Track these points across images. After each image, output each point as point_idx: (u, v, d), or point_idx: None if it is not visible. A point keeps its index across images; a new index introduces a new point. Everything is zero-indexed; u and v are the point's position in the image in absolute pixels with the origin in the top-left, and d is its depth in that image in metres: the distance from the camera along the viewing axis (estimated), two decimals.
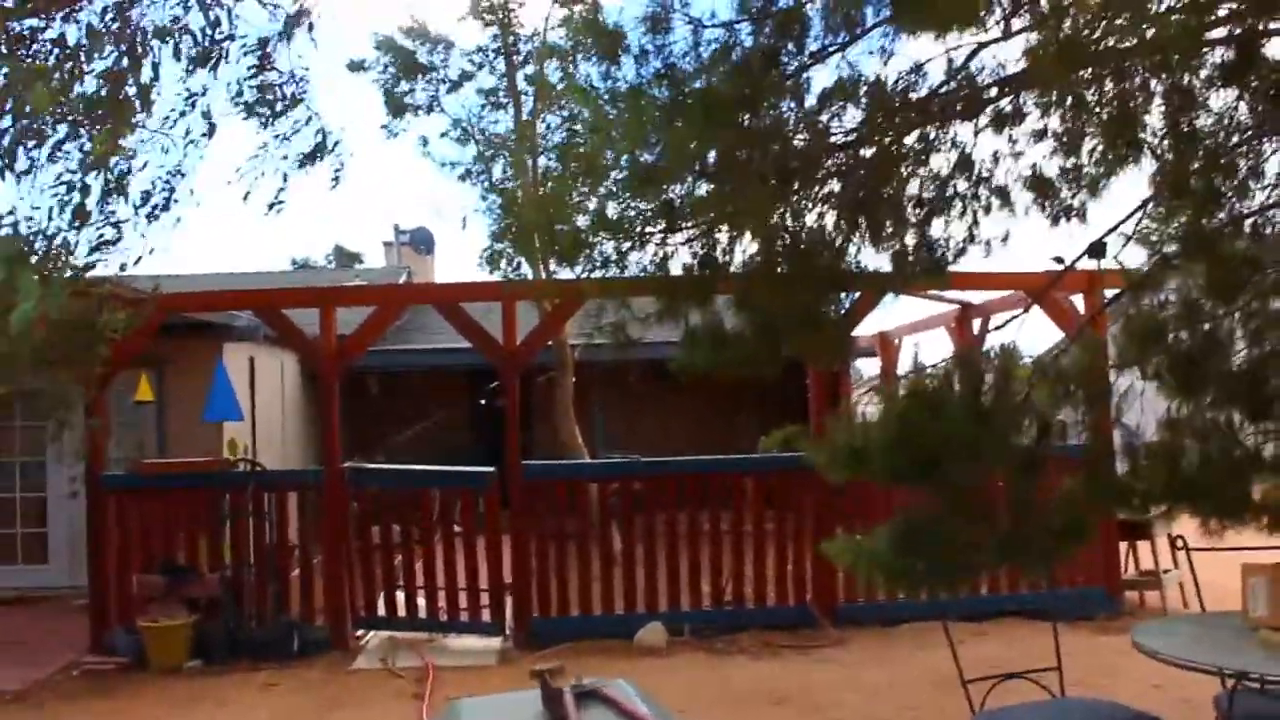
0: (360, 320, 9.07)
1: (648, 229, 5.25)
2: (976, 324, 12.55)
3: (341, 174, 6.30)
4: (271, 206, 6.23)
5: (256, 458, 10.35)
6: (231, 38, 5.62)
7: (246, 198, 5.91)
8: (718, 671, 7.93)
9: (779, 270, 5.40)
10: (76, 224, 4.55)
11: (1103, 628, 8.95)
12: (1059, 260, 10.03)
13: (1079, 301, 9.70)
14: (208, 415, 10.43)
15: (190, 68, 5.37)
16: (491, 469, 8.95)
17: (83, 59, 4.79)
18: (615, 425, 17.98)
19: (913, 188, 5.87)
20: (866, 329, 15.92)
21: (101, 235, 5.76)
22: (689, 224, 5.30)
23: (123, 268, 6.14)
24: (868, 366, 26.65)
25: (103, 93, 4.85)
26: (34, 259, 5.06)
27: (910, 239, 6.06)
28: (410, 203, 64.74)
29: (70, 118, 5.13)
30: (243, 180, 5.96)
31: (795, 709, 6.91)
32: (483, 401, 19.30)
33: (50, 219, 5.12)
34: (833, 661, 8.14)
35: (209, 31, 5.40)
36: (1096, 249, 8.84)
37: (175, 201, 6.05)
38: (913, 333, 14.45)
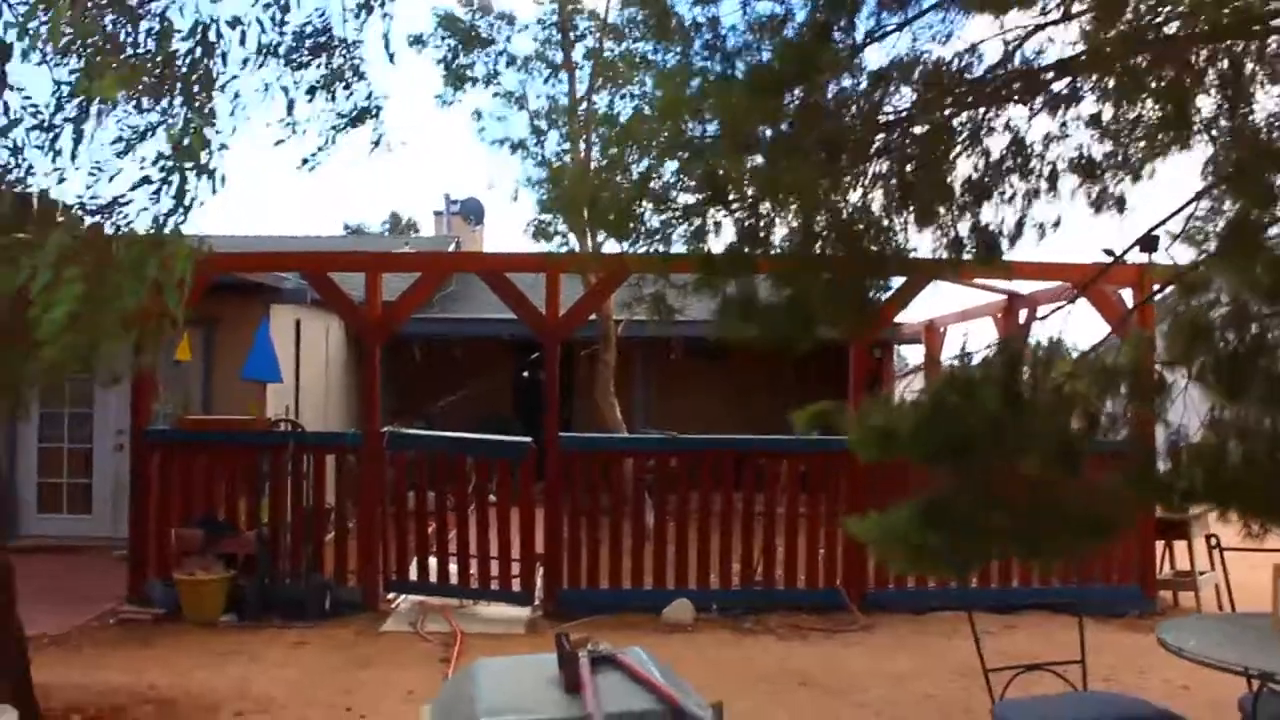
0: (406, 288, 9.13)
1: (692, 202, 5.23)
2: (1023, 314, 12.41)
3: (383, 138, 6.28)
4: (306, 162, 6.23)
5: (299, 419, 10.48)
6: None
7: (279, 144, 5.89)
8: (743, 650, 7.94)
9: (821, 249, 5.35)
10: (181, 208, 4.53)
11: (1134, 625, 8.86)
12: (1109, 252, 9.89)
13: (1127, 296, 9.57)
14: (246, 374, 10.56)
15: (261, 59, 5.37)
16: (528, 439, 8.99)
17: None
18: (655, 403, 18.00)
19: (964, 169, 5.81)
20: (913, 316, 15.87)
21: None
22: (734, 198, 5.27)
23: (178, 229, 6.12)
24: (913, 354, 26.53)
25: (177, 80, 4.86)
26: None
27: (962, 224, 6.01)
28: (465, 174, 65.04)
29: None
30: (289, 135, 5.94)
31: (819, 691, 6.90)
32: (524, 374, 19.43)
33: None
34: (859, 646, 8.12)
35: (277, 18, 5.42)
36: (1148, 242, 8.68)
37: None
38: (960, 321, 14.32)
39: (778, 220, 5.33)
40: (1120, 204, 6.01)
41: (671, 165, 5.25)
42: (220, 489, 9.00)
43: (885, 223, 5.57)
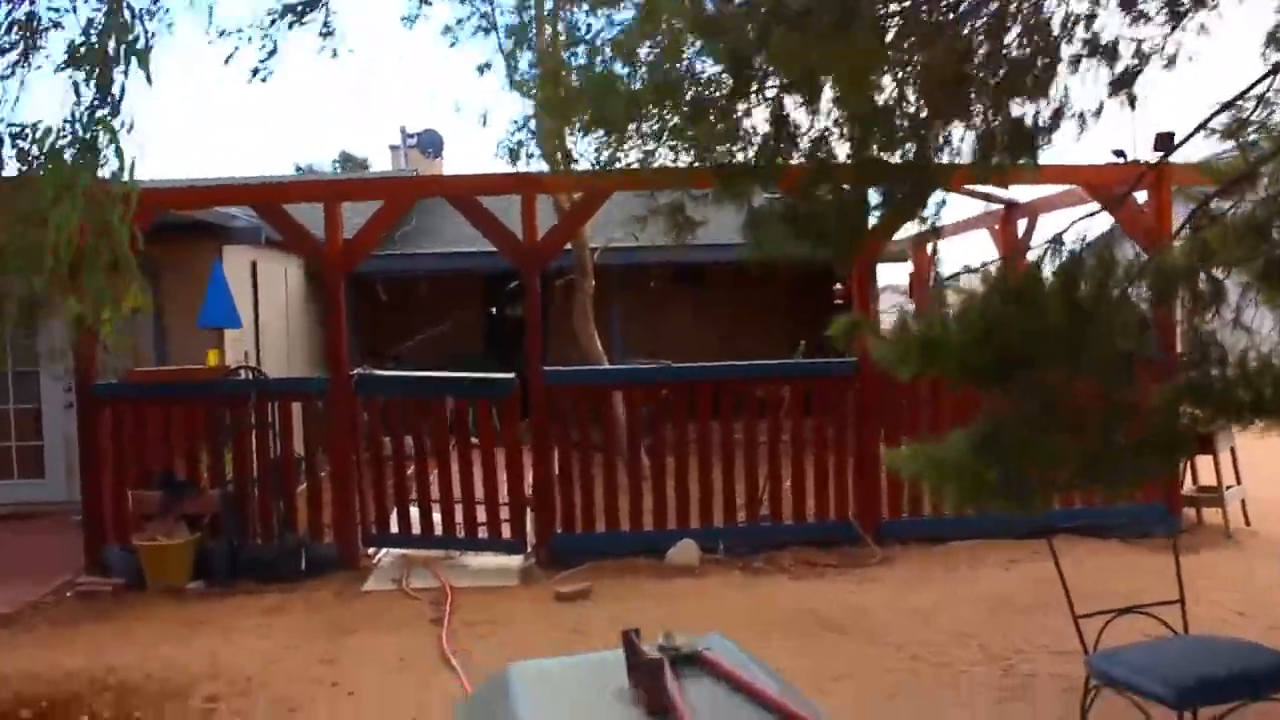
0: (366, 223, 8.34)
1: (709, 93, 4.50)
2: (1022, 224, 11.78)
3: (332, 32, 5.51)
4: (255, 73, 5.48)
5: (261, 366, 9.74)
6: None
7: (229, 60, 5.15)
8: (757, 593, 7.36)
9: (864, 146, 4.66)
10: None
11: (1166, 547, 8.32)
12: (1119, 153, 9.20)
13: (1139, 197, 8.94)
14: (202, 321, 9.82)
15: None
16: (511, 375, 8.30)
17: None
18: (633, 333, 17.30)
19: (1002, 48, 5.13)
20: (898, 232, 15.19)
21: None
22: (761, 85, 4.55)
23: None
24: (891, 273, 25.91)
25: None
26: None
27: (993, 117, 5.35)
28: (420, 106, 63.42)
29: None
30: (230, 46, 5.19)
31: (848, 636, 6.33)
32: (492, 310, 18.67)
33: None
34: (879, 582, 7.57)
35: None
36: (1164, 140, 7.96)
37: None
38: (953, 235, 13.64)
39: (812, 114, 4.61)
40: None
41: (688, 52, 4.50)
42: (178, 445, 8.27)
43: (922, 115, 4.89)
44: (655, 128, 4.58)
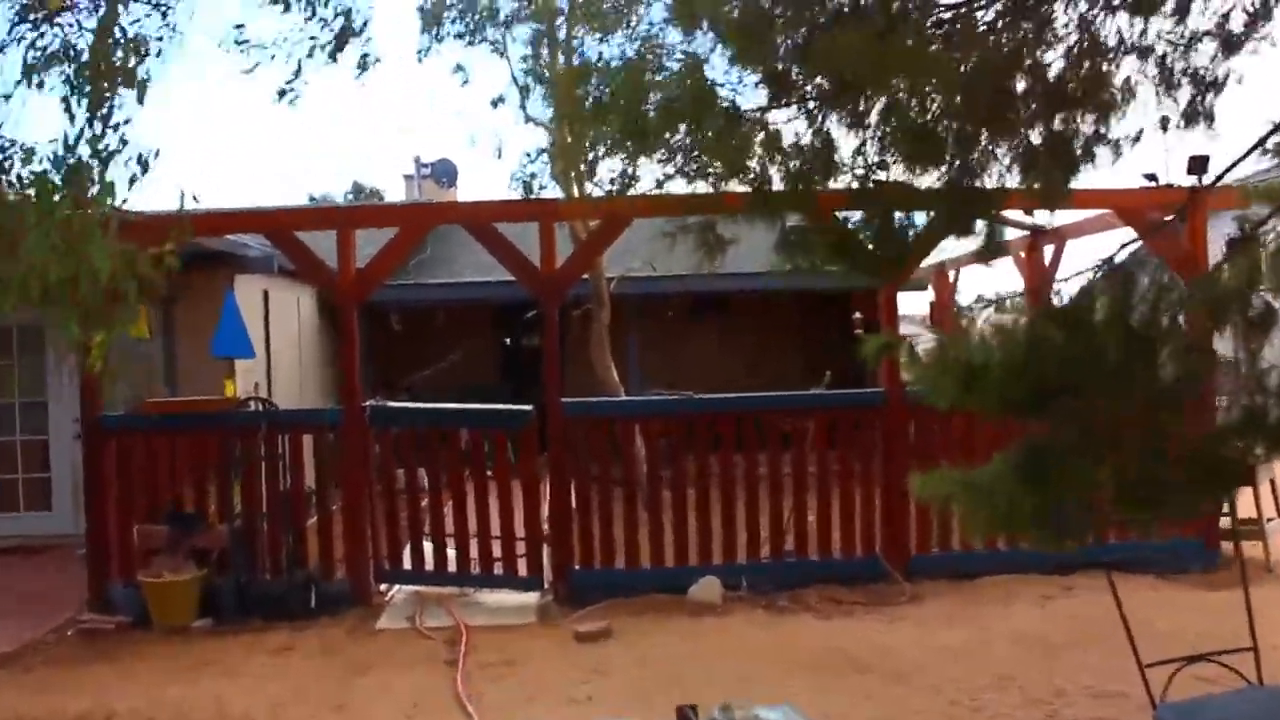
0: (382, 247, 8.14)
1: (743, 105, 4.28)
2: (1048, 251, 11.53)
3: (370, 60, 5.36)
4: (283, 95, 5.32)
5: (272, 397, 9.54)
6: None
7: (253, 70, 5.00)
8: (782, 632, 7.09)
9: (912, 164, 4.43)
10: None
11: (1205, 583, 8.05)
12: (1151, 177, 8.96)
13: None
14: (216, 350, 9.62)
15: None
16: (528, 407, 8.07)
17: None
18: (649, 363, 17.08)
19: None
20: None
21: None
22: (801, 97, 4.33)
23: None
24: (911, 303, 25.57)
25: None
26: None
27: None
28: (434, 137, 63.56)
29: None
30: (254, 62, 5.04)
31: (877, 677, 6.05)
32: (507, 340, 18.47)
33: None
34: (908, 620, 7.28)
35: None
36: (1198, 164, 7.69)
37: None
38: (972, 263, 13.39)
39: (857, 129, 4.39)
40: (1210, 117, 5.19)
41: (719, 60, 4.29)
42: (187, 479, 8.05)
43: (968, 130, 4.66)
44: (686, 141, 4.37)
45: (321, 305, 14.71)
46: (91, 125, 3.49)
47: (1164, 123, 5.21)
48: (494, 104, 13.89)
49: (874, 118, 5.34)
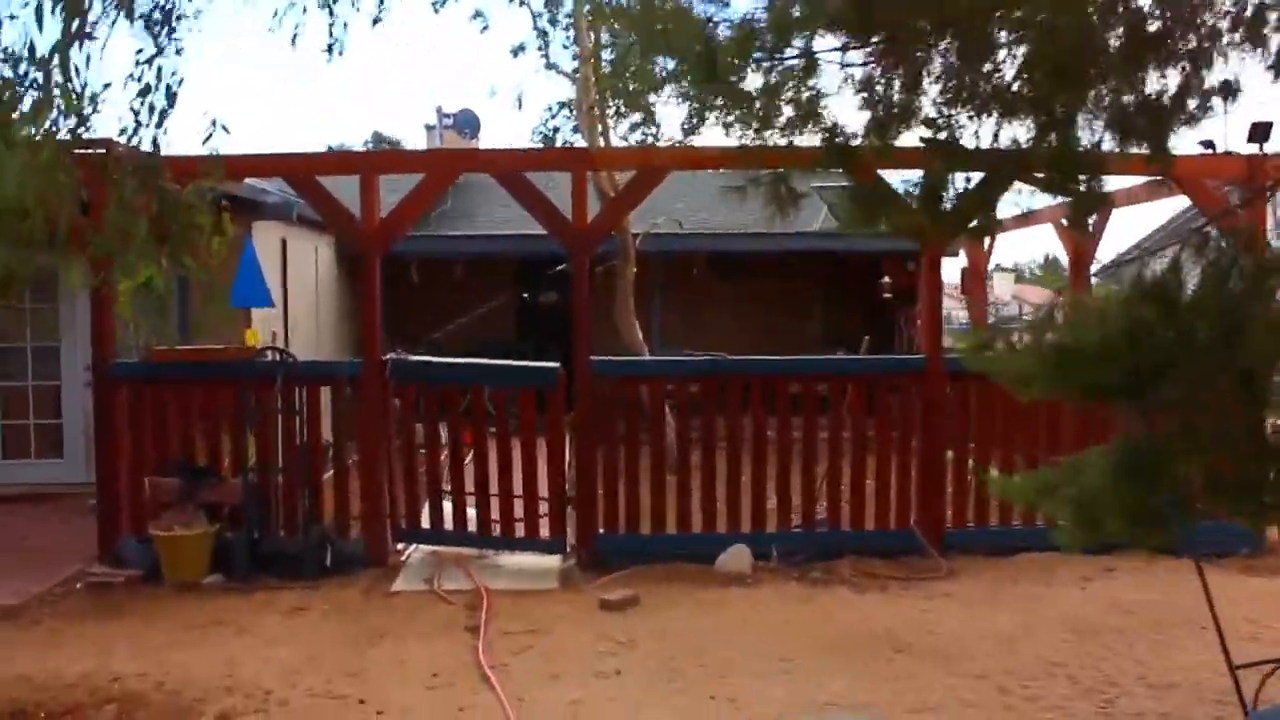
0: (407, 194, 7.80)
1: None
2: (1092, 218, 11.11)
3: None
4: (330, 49, 5.03)
5: (288, 348, 9.24)
6: None
7: (294, 40, 4.74)
8: (816, 606, 6.79)
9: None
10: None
11: (1252, 567, 7.73)
12: (1208, 144, 8.51)
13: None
14: (235, 300, 9.33)
15: None
16: (555, 364, 7.76)
17: None
18: (670, 325, 16.75)
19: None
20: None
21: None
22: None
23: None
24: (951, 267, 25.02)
25: None
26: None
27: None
28: (457, 87, 62.98)
29: None
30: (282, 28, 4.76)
31: (919, 660, 5.75)
32: (525, 296, 18.13)
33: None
34: (949, 598, 6.98)
35: None
36: (1261, 131, 7.22)
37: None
38: (1013, 229, 12.98)
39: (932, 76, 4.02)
40: None
41: None
42: (200, 430, 7.77)
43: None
44: (759, 85, 4.00)
45: (340, 255, 14.41)
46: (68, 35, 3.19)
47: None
48: (514, 53, 13.55)
49: (937, 67, 5.00)
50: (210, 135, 4.73)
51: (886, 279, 16.48)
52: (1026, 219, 12.28)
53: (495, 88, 25.03)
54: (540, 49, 13.13)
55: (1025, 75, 4.16)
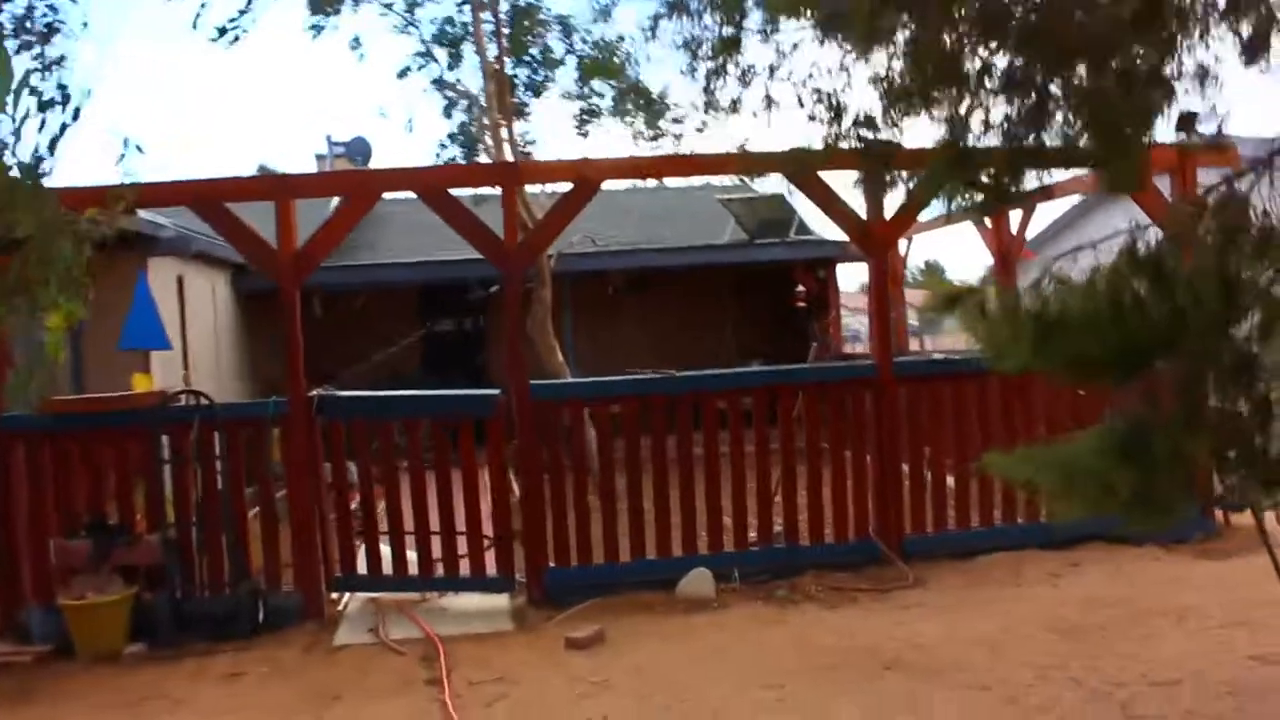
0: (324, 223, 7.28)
1: None
2: (1015, 216, 11.10)
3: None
4: (223, 32, 4.54)
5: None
6: None
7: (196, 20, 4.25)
8: (790, 627, 6.47)
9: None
10: None
11: (1206, 552, 7.66)
12: (1189, 118, 8.52)
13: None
14: (125, 342, 8.69)
15: None
16: (495, 390, 7.32)
17: None
18: (584, 344, 16.37)
19: None
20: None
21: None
22: None
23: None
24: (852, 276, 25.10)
25: None
26: None
27: None
28: (342, 116, 61.84)
29: None
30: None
31: (913, 675, 5.46)
32: (450, 326, 17.62)
33: None
34: (923, 607, 6.73)
35: None
36: (1186, 121, 7.07)
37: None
38: (926, 230, 12.93)
39: None
40: None
41: None
42: (108, 485, 7.12)
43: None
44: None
45: (237, 292, 13.70)
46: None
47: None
48: (400, 74, 13.06)
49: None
50: (123, 156, 4.22)
51: (800, 288, 16.38)
52: (946, 218, 12.23)
53: (384, 109, 24.44)
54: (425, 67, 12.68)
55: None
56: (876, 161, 5.08)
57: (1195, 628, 6.00)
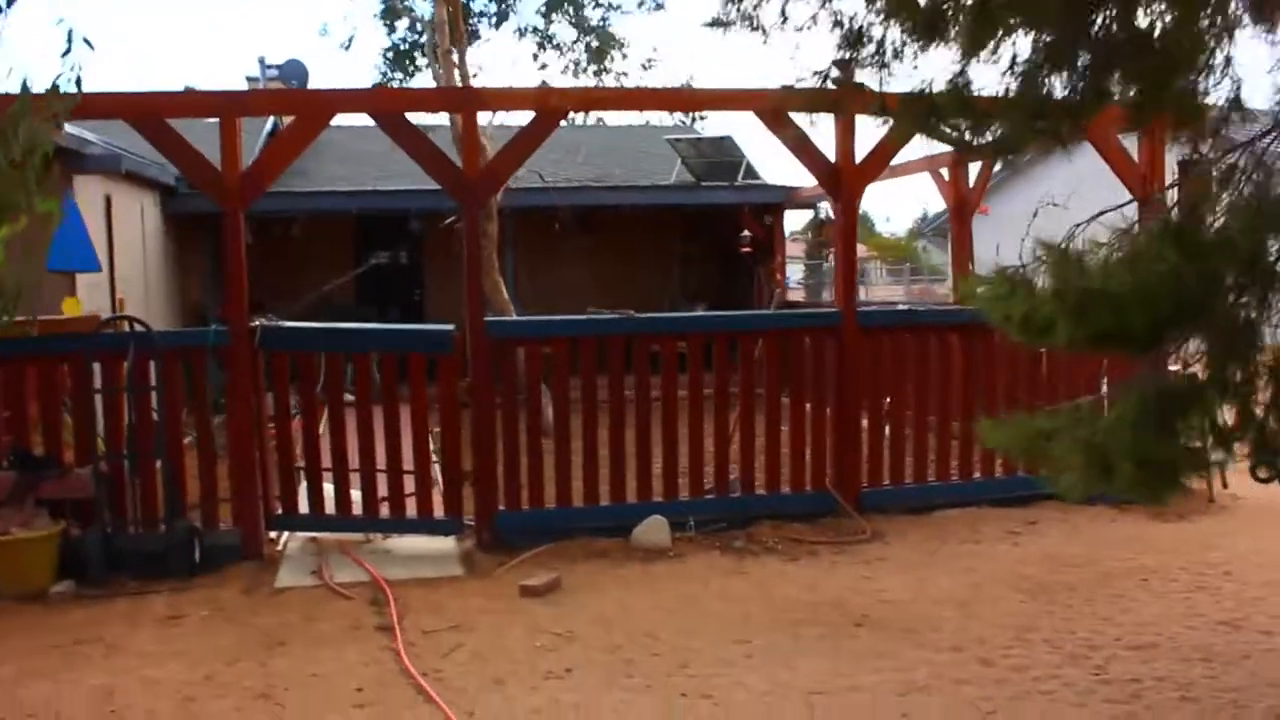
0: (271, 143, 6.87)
1: None
2: (973, 168, 10.94)
3: None
4: None
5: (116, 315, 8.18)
6: None
7: None
8: (751, 579, 6.32)
9: None
10: None
11: (1160, 514, 7.64)
12: None
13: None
14: (53, 263, 8.18)
15: None
16: (450, 327, 7.00)
17: None
18: (526, 283, 16.01)
19: None
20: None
21: None
22: None
23: None
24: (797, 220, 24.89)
25: None
26: None
27: None
28: (271, 38, 59.83)
29: None
30: None
31: (882, 633, 5.34)
32: (381, 259, 17.13)
33: None
34: (885, 561, 6.62)
35: None
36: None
37: None
38: (886, 177, 12.72)
39: None
40: None
41: None
42: (34, 414, 6.70)
43: None
44: None
45: (166, 215, 13.10)
46: None
47: None
48: None
49: None
50: (69, 50, 3.81)
51: (746, 233, 16.17)
52: (895, 170, 12.06)
53: (326, 26, 23.48)
54: None
55: None
56: (919, 106, 4.76)
57: (1160, 590, 5.97)
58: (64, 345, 6.71)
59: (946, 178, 11.05)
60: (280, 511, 7.11)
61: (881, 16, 4.62)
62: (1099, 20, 4.19)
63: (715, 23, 4.33)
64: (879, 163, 7.57)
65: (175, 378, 6.75)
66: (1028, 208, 10.75)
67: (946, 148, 10.65)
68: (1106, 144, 7.88)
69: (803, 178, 16.04)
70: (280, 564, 6.72)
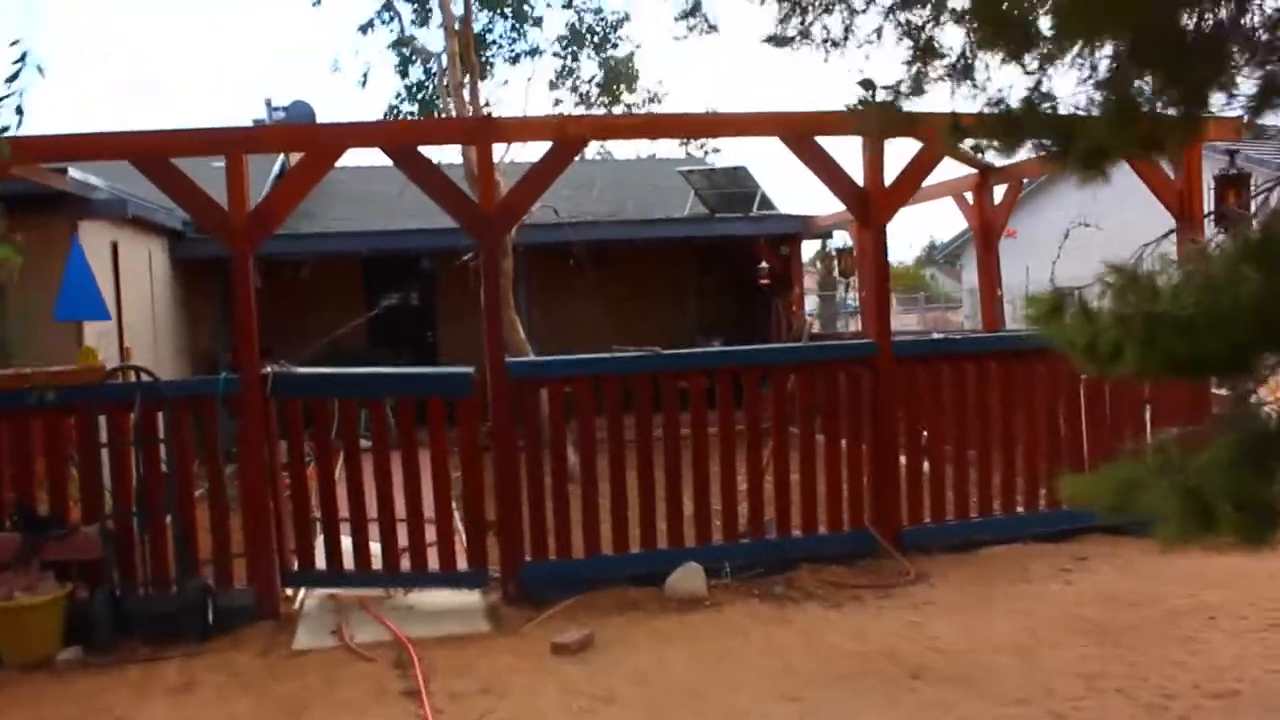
0: (280, 183, 6.62)
1: None
2: (999, 191, 10.67)
3: None
4: None
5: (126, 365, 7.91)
6: None
7: None
8: (795, 628, 5.97)
9: None
10: None
11: (1212, 546, 7.23)
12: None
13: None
14: (61, 313, 7.94)
15: None
16: (469, 369, 6.71)
17: None
18: (540, 320, 15.75)
19: None
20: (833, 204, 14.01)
21: None
22: None
23: None
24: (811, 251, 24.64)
25: None
26: None
27: None
28: (280, 80, 60.17)
29: None
30: None
31: (942, 684, 4.99)
32: (390, 301, 16.90)
33: None
34: (933, 605, 6.28)
35: None
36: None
37: None
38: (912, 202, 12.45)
39: None
40: None
41: None
42: (38, 471, 6.40)
43: None
44: None
45: (174, 259, 12.88)
46: None
47: None
48: (362, 30, 12.37)
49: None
50: (17, 74, 3.55)
51: (764, 264, 15.90)
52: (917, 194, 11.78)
53: (338, 61, 23.35)
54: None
55: None
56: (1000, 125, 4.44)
57: (1232, 629, 5.62)
58: (68, 398, 6.41)
59: (970, 200, 10.75)
60: (296, 567, 6.80)
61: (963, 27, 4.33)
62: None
63: (774, 39, 4.05)
64: (909, 185, 7.30)
65: (184, 429, 6.46)
66: (1052, 229, 10.53)
67: (970, 170, 10.52)
68: (1148, 170, 7.62)
69: (818, 206, 15.83)
70: (298, 623, 6.40)
